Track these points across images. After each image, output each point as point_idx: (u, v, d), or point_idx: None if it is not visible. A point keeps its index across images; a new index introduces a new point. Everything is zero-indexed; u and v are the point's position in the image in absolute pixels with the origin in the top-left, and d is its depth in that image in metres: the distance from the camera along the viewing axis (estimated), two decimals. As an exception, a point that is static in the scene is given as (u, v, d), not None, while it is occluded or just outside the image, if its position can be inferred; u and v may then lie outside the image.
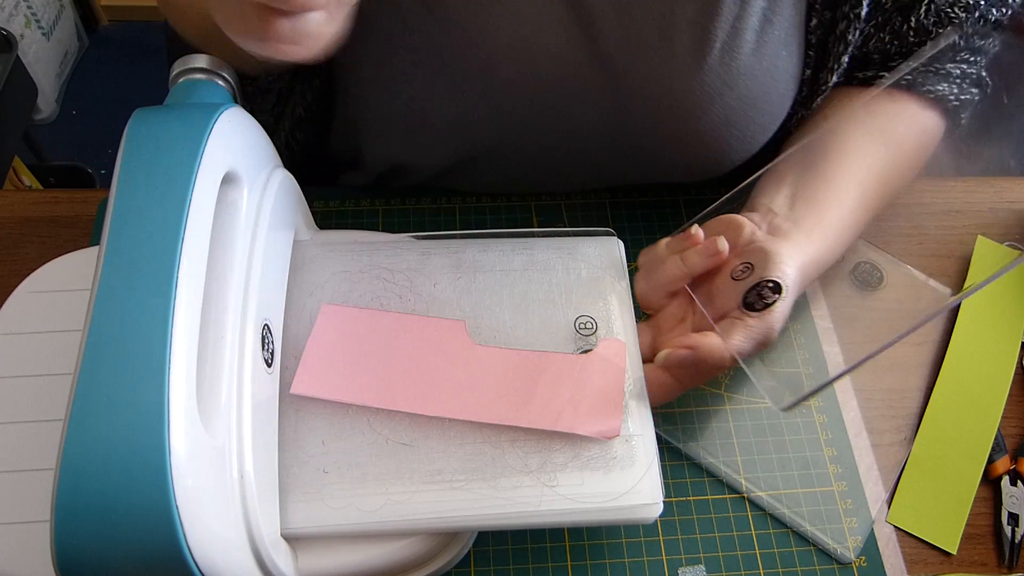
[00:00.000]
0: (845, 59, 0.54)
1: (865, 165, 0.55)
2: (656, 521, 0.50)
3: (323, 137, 0.65)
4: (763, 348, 0.47)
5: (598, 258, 0.52)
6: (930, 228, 0.64)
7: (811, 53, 0.55)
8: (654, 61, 0.51)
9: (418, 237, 0.52)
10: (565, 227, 0.62)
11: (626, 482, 0.43)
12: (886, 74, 0.56)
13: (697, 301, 0.49)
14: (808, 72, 0.55)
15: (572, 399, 0.45)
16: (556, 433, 0.44)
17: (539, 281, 0.50)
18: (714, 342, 0.45)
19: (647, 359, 0.48)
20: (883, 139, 0.56)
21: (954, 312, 0.59)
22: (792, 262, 0.47)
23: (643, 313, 0.52)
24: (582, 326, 0.48)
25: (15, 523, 0.42)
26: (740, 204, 0.54)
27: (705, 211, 0.53)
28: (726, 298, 0.48)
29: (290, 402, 0.44)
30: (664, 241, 0.51)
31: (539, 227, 0.62)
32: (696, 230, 0.49)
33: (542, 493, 0.42)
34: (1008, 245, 0.62)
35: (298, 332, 0.47)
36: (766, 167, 0.54)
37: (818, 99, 0.57)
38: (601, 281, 0.51)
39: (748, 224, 0.50)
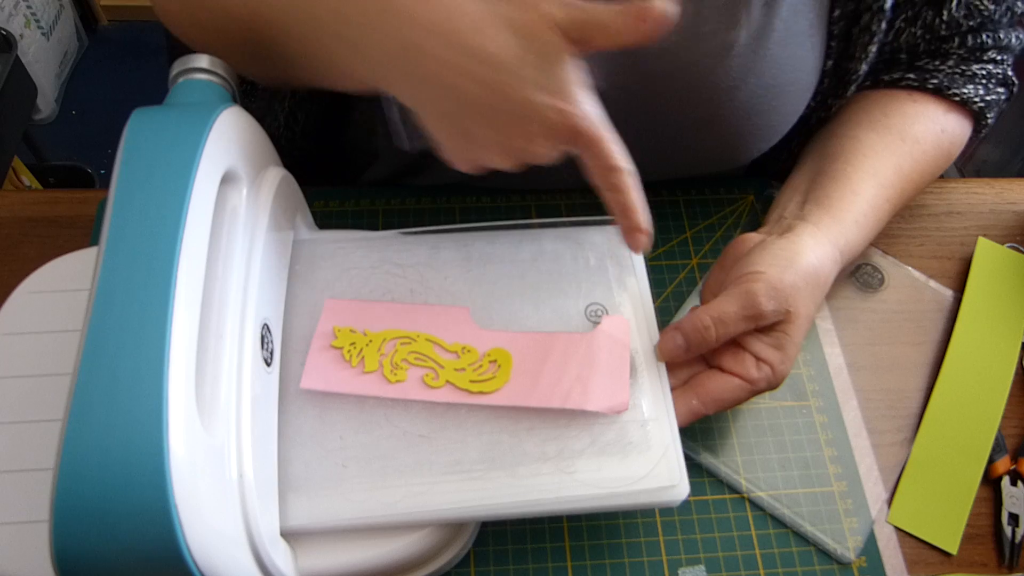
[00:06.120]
0: (873, 48, 0.54)
1: (881, 158, 0.55)
2: (656, 521, 0.50)
3: (332, 131, 0.65)
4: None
5: (605, 245, 0.52)
6: (931, 229, 0.64)
7: (833, 44, 0.55)
8: (683, 43, 0.51)
9: (405, 233, 0.52)
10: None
11: (643, 466, 0.43)
12: (912, 76, 0.57)
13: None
14: (830, 63, 0.55)
15: (579, 377, 0.45)
16: (573, 420, 0.44)
17: (549, 271, 0.51)
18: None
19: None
20: (900, 135, 0.56)
21: (954, 312, 0.59)
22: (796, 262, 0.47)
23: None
24: (592, 313, 0.49)
25: (15, 523, 0.42)
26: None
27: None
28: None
29: (307, 398, 0.44)
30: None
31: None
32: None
33: (561, 480, 0.43)
34: (1009, 246, 0.62)
35: (309, 329, 0.47)
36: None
37: (851, 88, 0.57)
38: (610, 269, 0.51)
39: (752, 239, 0.51)
